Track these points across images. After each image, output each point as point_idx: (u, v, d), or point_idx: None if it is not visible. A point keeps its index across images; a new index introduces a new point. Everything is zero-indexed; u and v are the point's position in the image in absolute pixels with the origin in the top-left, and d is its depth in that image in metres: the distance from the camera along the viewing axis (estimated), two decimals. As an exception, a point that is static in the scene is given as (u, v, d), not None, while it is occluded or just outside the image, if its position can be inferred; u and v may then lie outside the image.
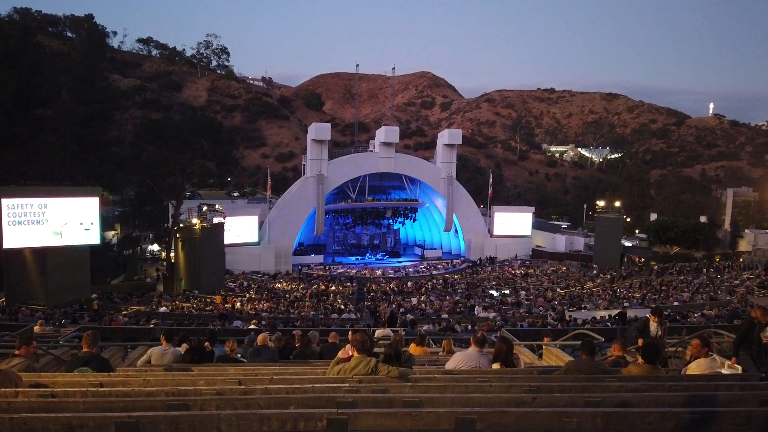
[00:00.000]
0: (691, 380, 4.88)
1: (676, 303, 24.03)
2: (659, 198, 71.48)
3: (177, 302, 24.81)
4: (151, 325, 15.98)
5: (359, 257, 47.46)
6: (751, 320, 6.93)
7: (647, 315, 8.45)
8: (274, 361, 7.93)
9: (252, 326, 16.37)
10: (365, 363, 5.08)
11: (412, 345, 8.65)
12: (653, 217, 56.46)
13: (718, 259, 41.79)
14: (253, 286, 32.53)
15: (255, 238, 40.03)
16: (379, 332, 12.80)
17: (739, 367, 5.64)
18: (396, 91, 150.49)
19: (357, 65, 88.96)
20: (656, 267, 38.61)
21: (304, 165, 44.73)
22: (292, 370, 6.36)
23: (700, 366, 5.52)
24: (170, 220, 35.19)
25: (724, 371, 5.49)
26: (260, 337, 8.74)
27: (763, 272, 31.88)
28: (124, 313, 20.09)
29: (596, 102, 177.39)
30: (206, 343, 8.17)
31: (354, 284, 34.56)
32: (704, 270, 35.27)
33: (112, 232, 41.24)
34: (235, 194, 65.81)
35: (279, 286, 33.19)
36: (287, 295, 28.80)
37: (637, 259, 42.80)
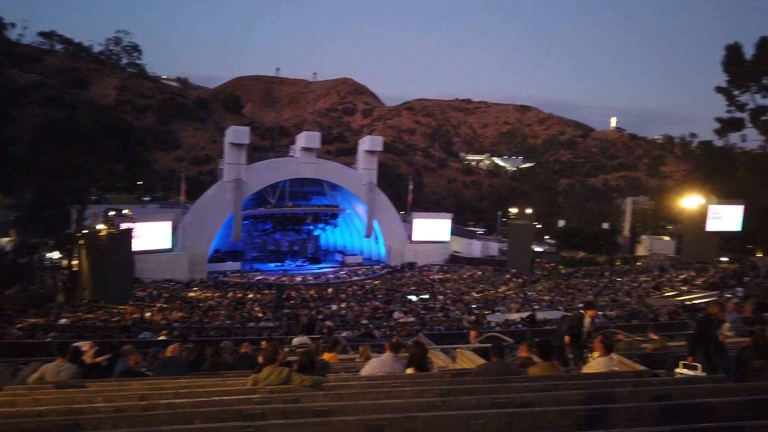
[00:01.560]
0: (590, 378, 5.16)
1: (581, 305, 25.47)
2: (567, 206, 75.72)
3: (79, 314, 23.20)
4: (49, 339, 14.82)
5: (279, 264, 46.61)
6: (708, 317, 6.75)
7: (581, 310, 8.21)
8: (183, 373, 7.59)
9: (162, 337, 15.59)
10: (277, 373, 4.98)
11: (326, 353, 8.57)
12: (561, 223, 59.60)
13: (618, 263, 44.75)
14: (164, 294, 31.04)
15: (167, 245, 38.27)
16: (296, 340, 12.62)
17: (699, 366, 5.58)
18: (318, 97, 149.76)
19: (278, 69, 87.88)
20: (564, 271, 40.80)
21: (221, 169, 43.42)
22: (201, 383, 6.10)
23: (599, 364, 5.86)
24: (73, 225, 32.85)
25: (678, 370, 5.64)
26: (169, 349, 8.35)
27: (657, 275, 34.53)
28: (18, 326, 18.49)
29: (510, 113, 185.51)
30: (98, 358, 7.68)
31: (273, 291, 33.86)
32: (606, 273, 37.67)
33: (7, 239, 37.94)
34: (147, 198, 62.69)
35: (193, 294, 31.90)
36: (201, 304, 27.74)
37: (546, 264, 45.04)
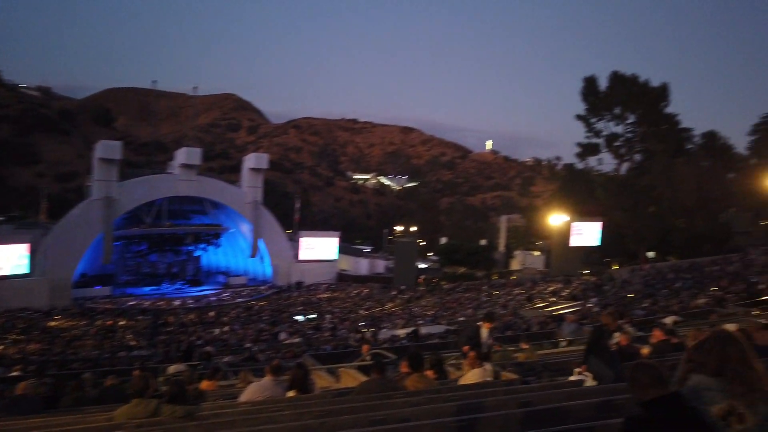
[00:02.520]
0: (465, 389, 5.37)
1: (461, 318, 26.60)
2: (448, 223, 79.20)
3: None
4: None
5: (155, 287, 43.71)
6: (600, 327, 6.84)
7: (478, 322, 8.15)
8: (37, 412, 6.80)
9: (15, 373, 13.89)
10: (144, 405, 4.63)
11: (204, 380, 8.13)
12: (443, 240, 62.15)
13: (495, 277, 47.47)
14: (20, 325, 27.78)
15: (24, 269, 34.45)
16: (172, 368, 11.82)
17: (590, 375, 5.64)
18: (199, 112, 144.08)
19: (155, 81, 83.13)
20: (446, 286, 42.46)
21: (90, 186, 40.10)
22: (58, 422, 5.51)
23: (474, 375, 6.12)
24: None
25: (573, 378, 5.82)
26: (20, 386, 7.47)
27: (529, 288, 37.08)
28: None
29: (395, 134, 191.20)
30: None
31: (148, 317, 31.65)
32: (484, 287, 39.76)
33: None
34: (0, 218, 56.06)
35: (54, 323, 28.90)
36: (64, 334, 25.20)
37: (429, 280, 46.61)
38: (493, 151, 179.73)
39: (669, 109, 48.09)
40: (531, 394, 4.60)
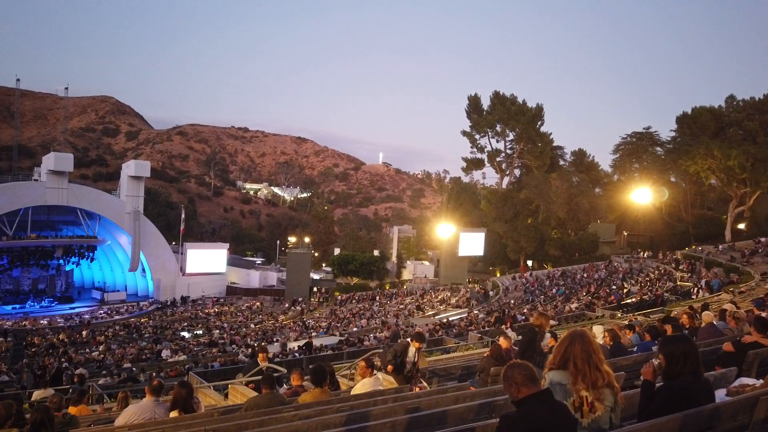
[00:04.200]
0: (356, 399, 5.39)
1: (355, 329, 26.77)
2: (342, 234, 79.41)
3: None
4: None
5: (18, 306, 39.46)
6: (533, 329, 6.74)
7: (408, 339, 7.95)
8: None
9: None
10: (1, 437, 4.16)
11: (72, 405, 7.47)
12: (337, 251, 62.21)
13: (388, 287, 48.34)
14: None
15: None
16: (37, 394, 10.73)
17: None
18: (71, 114, 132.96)
19: (18, 79, 75.20)
20: (340, 297, 42.50)
21: (-63, 193, 35.46)
22: None
23: (365, 385, 6.16)
24: None
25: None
26: None
27: (420, 296, 38.19)
28: None
29: (287, 144, 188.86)
30: None
31: (9, 339, 28.43)
32: (377, 297, 40.35)
33: None
34: None
35: None
36: None
37: (322, 291, 46.43)
38: (385, 164, 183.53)
39: (544, 128, 52.28)
40: (419, 400, 4.72)
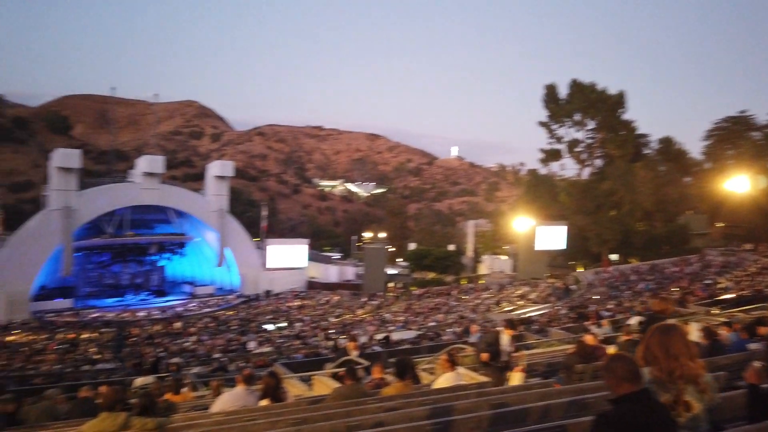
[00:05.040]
0: (438, 393, 5.42)
1: (432, 323, 26.77)
2: (416, 229, 79.62)
3: None
4: None
5: (118, 299, 42.59)
6: (654, 315, 6.32)
7: (498, 328, 7.75)
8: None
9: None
10: (113, 419, 4.52)
11: (171, 392, 7.98)
12: (412, 246, 62.43)
13: (464, 282, 47.93)
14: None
15: (-22, 283, 33.11)
16: (138, 381, 11.60)
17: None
18: (160, 119, 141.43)
19: (113, 88, 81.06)
20: (416, 291, 42.65)
21: (47, 196, 38.86)
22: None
23: (446, 380, 6.18)
24: None
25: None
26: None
27: (497, 292, 37.58)
28: None
29: (361, 141, 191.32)
30: None
31: (112, 329, 30.81)
32: (454, 292, 40.11)
33: None
34: (-50, 231, 53.69)
35: (12, 338, 27.87)
36: (24, 349, 24.32)
37: (398, 286, 46.75)
38: (459, 157, 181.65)
39: (626, 116, 49.69)
40: (504, 396, 4.68)
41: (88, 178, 44.94)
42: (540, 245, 43.16)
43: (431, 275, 52.82)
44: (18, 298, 34.46)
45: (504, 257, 54.48)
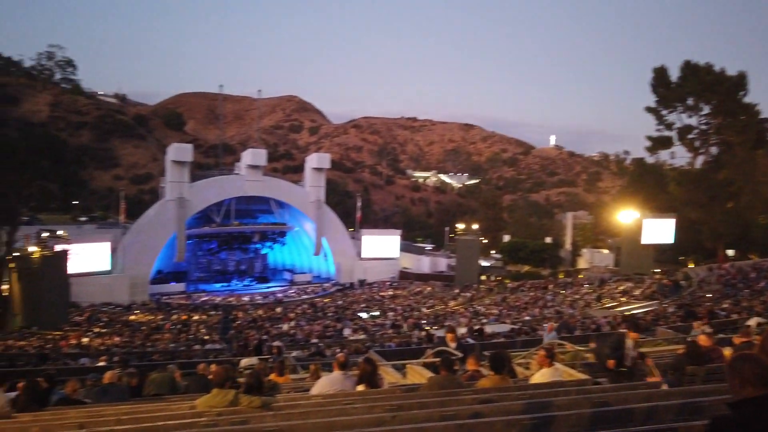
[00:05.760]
0: (536, 388, 5.30)
1: (527, 317, 26.10)
2: (511, 221, 77.71)
3: (10, 341, 21.82)
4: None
5: (225, 284, 45.50)
6: None
7: (622, 330, 7.21)
8: (124, 400, 7.28)
9: (101, 363, 14.89)
10: (223, 395, 4.86)
11: (274, 373, 8.40)
12: (506, 238, 61.07)
13: (561, 276, 46.21)
14: (103, 319, 29.67)
15: (107, 267, 36.67)
16: (244, 362, 12.32)
17: None
18: (263, 114, 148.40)
19: (221, 86, 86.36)
20: (510, 285, 41.73)
21: (163, 187, 42.19)
22: (144, 409, 5.87)
23: (544, 375, 6.02)
24: (2, 248, 31.03)
25: None
26: (107, 375, 8.01)
27: (598, 287, 35.86)
28: (-61, 357, 17.22)
29: (455, 131, 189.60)
30: (40, 379, 7.29)
31: (219, 312, 33.00)
32: (550, 286, 38.80)
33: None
34: (83, 219, 59.95)
35: (134, 317, 30.66)
36: (143, 328, 26.68)
37: (492, 278, 45.99)
38: (557, 147, 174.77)
39: (747, 99, 45.13)
40: (606, 395, 4.49)
41: (198, 170, 48.28)
42: (646, 239, 40.58)
43: (526, 268, 51.44)
44: (139, 281, 37.82)
45: (605, 251, 51.85)
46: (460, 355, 8.25)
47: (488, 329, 20.01)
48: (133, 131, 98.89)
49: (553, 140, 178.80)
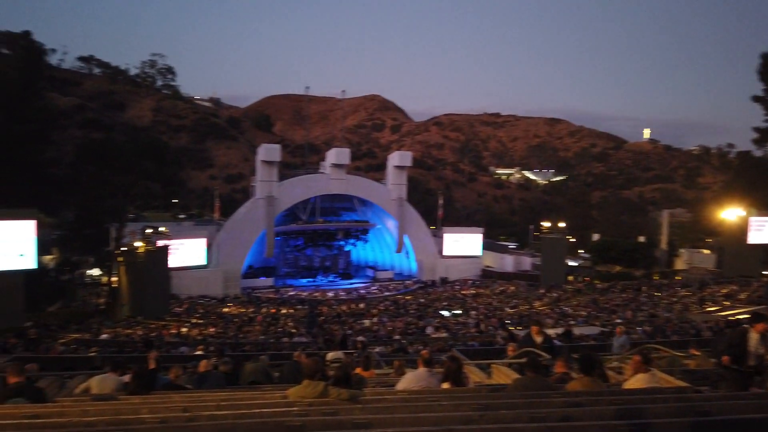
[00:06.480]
0: (631, 394, 5.07)
1: (619, 320, 24.88)
2: (601, 219, 74.33)
3: (119, 329, 23.77)
4: (91, 354, 15.24)
5: (310, 279, 46.98)
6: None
7: (745, 325, 6.66)
8: (221, 387, 7.73)
9: (199, 352, 15.87)
10: (314, 386, 5.04)
11: (359, 368, 8.58)
12: (596, 237, 58.51)
13: (656, 278, 43.59)
14: (199, 310, 31.58)
15: (203, 261, 39.01)
16: (330, 355, 12.67)
17: None
18: (346, 114, 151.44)
19: (307, 87, 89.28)
20: (600, 286, 39.95)
21: (254, 186, 44.22)
22: (240, 396, 6.22)
23: (639, 381, 5.74)
24: (112, 243, 33.82)
25: None
26: (202, 364, 8.56)
27: (699, 290, 33.50)
28: (62, 341, 19.07)
29: (540, 126, 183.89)
30: (151, 355, 7.91)
31: (305, 307, 34.11)
32: (644, 288, 36.72)
33: (50, 257, 39.25)
34: (182, 216, 64.09)
35: (227, 310, 32.36)
36: (236, 320, 28.10)
37: (584, 278, 44.19)
38: (652, 140, 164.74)
39: None
40: (709, 403, 4.22)
41: (286, 169, 50.09)
42: (753, 238, 37.42)
43: (617, 268, 48.98)
44: (232, 276, 39.93)
45: (706, 251, 48.30)
46: (547, 356, 8.04)
47: (576, 331, 19.30)
48: (226, 133, 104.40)
49: (647, 134, 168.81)
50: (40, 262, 26.51)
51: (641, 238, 54.01)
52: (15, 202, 24.72)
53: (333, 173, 44.05)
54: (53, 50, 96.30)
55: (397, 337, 21.91)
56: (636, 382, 5.68)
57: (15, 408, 4.93)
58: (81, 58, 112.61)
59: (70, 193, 34.64)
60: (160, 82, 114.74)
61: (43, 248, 32.83)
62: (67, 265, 37.25)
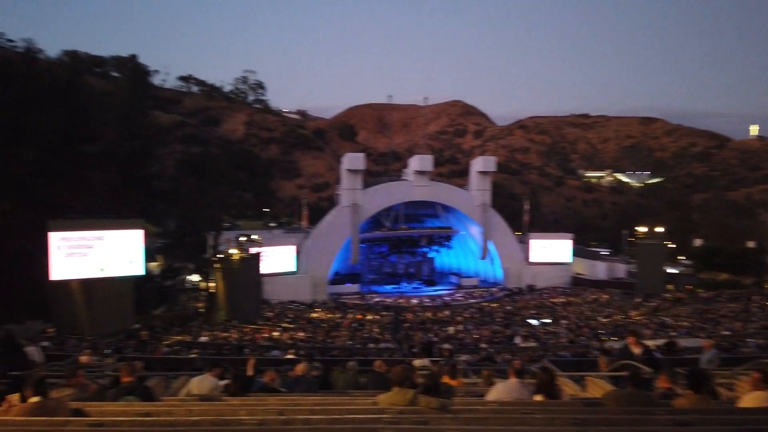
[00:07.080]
0: (747, 413, 4.65)
1: (726, 332, 22.98)
2: (703, 223, 69.28)
3: (216, 332, 25.09)
4: (192, 355, 16.18)
5: (395, 286, 47.28)
6: None
7: None
8: (313, 391, 7.93)
9: (290, 356, 16.38)
10: (403, 394, 5.03)
11: (445, 377, 8.49)
12: (698, 242, 54.61)
13: (768, 286, 39.93)
14: (289, 315, 32.68)
15: (292, 268, 40.41)
16: (417, 362, 12.65)
17: None
18: (428, 120, 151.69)
19: (390, 96, 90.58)
20: (703, 294, 37.16)
21: (339, 195, 45.27)
22: (332, 401, 6.35)
23: (757, 399, 5.25)
24: (210, 250, 35.89)
25: None
26: (298, 368, 8.79)
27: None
28: (166, 342, 20.42)
29: (633, 126, 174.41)
30: (250, 362, 8.25)
31: (390, 313, 34.33)
32: (755, 297, 33.72)
33: (155, 263, 42.26)
34: (273, 224, 66.77)
35: (315, 315, 33.24)
36: (324, 325, 28.79)
37: (681, 287, 41.31)
38: (761, 137, 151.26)
39: None
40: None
41: (369, 177, 50.89)
42: None
43: (723, 276, 45.37)
44: (319, 282, 41.06)
45: (829, 258, 43.61)
46: (648, 370, 7.57)
47: (682, 343, 18.02)
48: (313, 144, 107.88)
49: (754, 130, 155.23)
50: (146, 269, 28.60)
51: (750, 244, 49.78)
52: (126, 212, 26.85)
53: (416, 180, 44.18)
54: (156, 71, 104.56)
55: (483, 345, 21.51)
56: (752, 400, 5.20)
57: (128, 406, 5.33)
58: (181, 78, 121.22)
59: (172, 204, 37.20)
60: (251, 97, 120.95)
61: (149, 256, 35.42)
62: (170, 272, 39.98)
